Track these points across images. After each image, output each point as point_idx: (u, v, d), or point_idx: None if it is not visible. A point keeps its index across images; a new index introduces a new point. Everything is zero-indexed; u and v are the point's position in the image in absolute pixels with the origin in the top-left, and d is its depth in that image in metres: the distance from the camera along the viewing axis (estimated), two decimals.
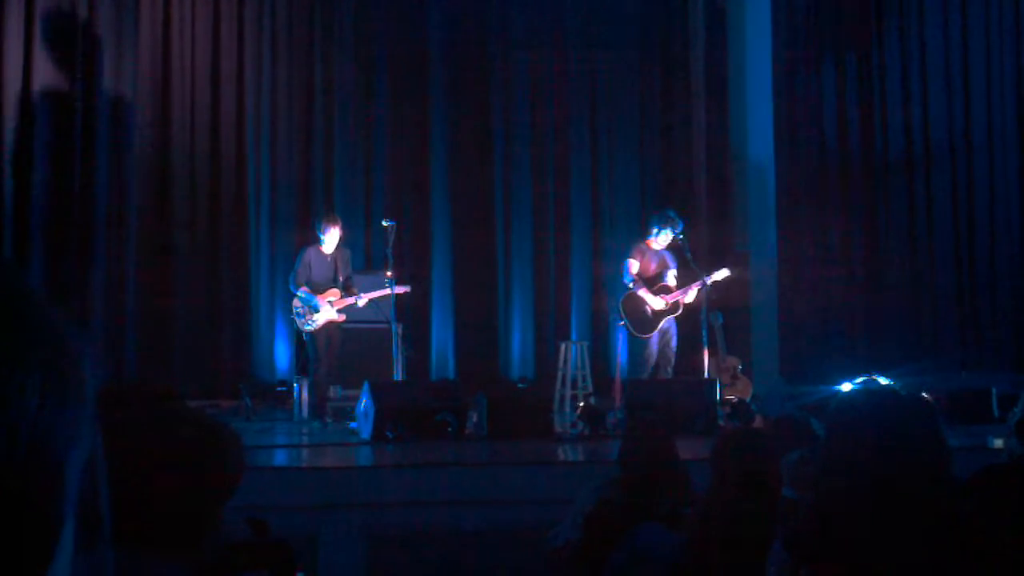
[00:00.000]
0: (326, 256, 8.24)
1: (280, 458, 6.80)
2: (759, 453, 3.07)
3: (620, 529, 3.43)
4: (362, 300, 8.13)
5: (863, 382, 7.37)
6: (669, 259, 8.50)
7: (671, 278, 8.44)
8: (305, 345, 8.34)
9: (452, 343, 10.39)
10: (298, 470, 6.31)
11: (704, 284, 8.27)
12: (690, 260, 8.43)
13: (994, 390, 7.88)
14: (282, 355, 10.00)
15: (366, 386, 7.32)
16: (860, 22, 11.20)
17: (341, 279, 8.24)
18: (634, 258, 8.47)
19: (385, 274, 8.29)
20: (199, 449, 1.54)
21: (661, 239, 8.45)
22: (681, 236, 8.43)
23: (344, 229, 8.35)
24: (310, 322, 8.09)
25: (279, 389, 9.48)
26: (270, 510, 3.60)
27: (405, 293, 8.36)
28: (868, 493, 1.91)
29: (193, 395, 8.72)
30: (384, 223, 8.30)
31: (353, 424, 7.60)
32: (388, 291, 8.17)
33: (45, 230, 9.23)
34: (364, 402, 7.21)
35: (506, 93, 10.75)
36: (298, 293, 8.13)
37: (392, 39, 10.51)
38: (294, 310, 8.22)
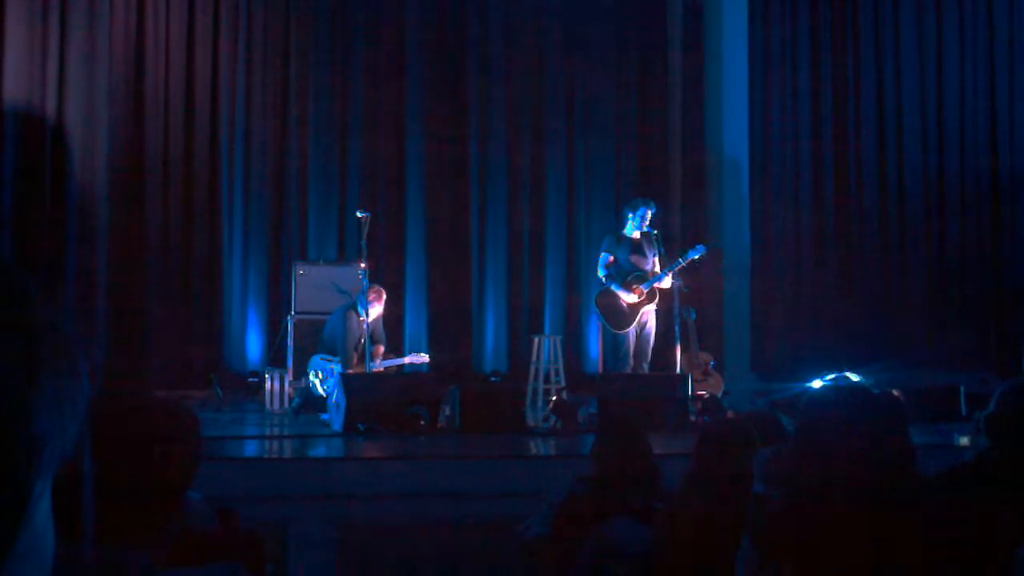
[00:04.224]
0: (363, 323, 8.24)
1: (251, 449, 6.78)
2: (744, 447, 3.07)
3: (591, 523, 3.44)
4: (378, 365, 8.19)
5: (834, 379, 7.42)
6: (647, 246, 8.45)
7: (656, 264, 8.41)
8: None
9: (425, 336, 10.37)
10: (269, 461, 6.28)
11: (681, 264, 8.22)
12: (664, 255, 8.43)
13: (962, 388, 7.95)
14: (254, 345, 9.95)
15: (338, 378, 7.30)
16: (835, 21, 11.28)
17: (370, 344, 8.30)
18: (609, 251, 8.45)
19: (359, 265, 8.27)
20: (156, 431, 1.52)
21: (637, 223, 8.37)
22: (656, 232, 8.43)
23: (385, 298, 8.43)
24: (320, 389, 8.18)
25: (251, 380, 9.43)
26: (240, 501, 3.57)
27: (422, 363, 8.56)
28: (838, 489, 1.92)
29: (164, 386, 8.66)
30: (359, 214, 8.27)
31: (325, 416, 7.58)
32: (405, 360, 8.47)
33: (15, 219, 9.13)
34: (336, 394, 7.19)
35: (482, 87, 10.73)
36: (331, 366, 8.19)
37: (368, 27, 10.46)
38: (319, 368, 8.25)
